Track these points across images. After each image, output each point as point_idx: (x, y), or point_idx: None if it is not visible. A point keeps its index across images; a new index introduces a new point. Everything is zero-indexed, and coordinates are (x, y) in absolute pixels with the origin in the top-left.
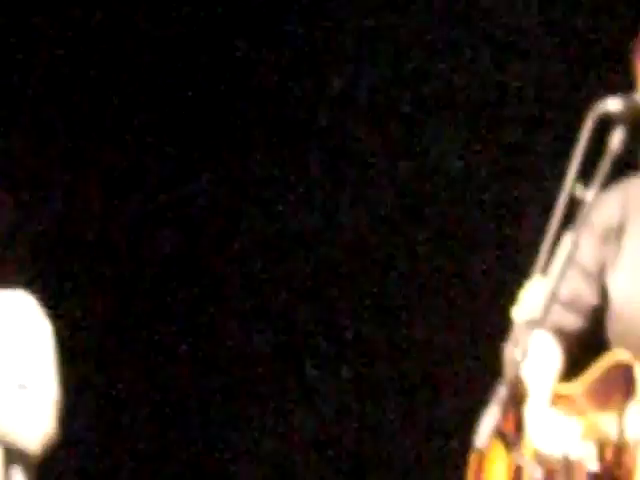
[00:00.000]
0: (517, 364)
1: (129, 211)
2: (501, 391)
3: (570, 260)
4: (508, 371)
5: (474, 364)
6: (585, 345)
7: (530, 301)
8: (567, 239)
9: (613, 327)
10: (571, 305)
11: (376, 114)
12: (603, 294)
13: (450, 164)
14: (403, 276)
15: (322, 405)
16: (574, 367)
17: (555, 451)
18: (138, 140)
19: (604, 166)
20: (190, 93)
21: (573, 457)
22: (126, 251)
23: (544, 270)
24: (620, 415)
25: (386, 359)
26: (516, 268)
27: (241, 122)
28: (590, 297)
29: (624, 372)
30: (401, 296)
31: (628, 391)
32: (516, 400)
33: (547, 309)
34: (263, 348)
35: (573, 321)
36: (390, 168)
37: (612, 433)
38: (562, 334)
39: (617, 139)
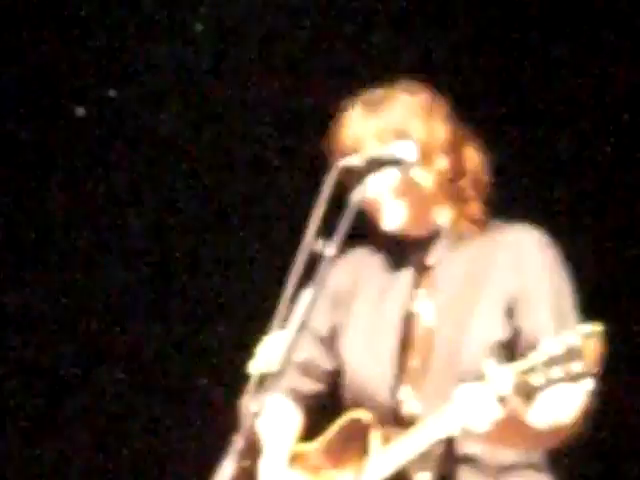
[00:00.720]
0: (253, 417)
1: None
2: (236, 444)
3: (308, 316)
4: (244, 424)
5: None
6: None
7: (267, 355)
8: (306, 295)
9: (347, 389)
10: (306, 369)
11: None
12: (338, 358)
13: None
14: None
15: None
16: (318, 426)
17: None
18: None
19: (345, 220)
20: None
21: None
22: None
23: (282, 325)
24: (356, 471)
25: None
26: (255, 323)
27: None
28: (323, 362)
29: (360, 430)
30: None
31: (363, 449)
32: (251, 453)
33: (285, 363)
34: None
35: (308, 385)
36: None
37: None
38: (299, 397)
39: (359, 194)
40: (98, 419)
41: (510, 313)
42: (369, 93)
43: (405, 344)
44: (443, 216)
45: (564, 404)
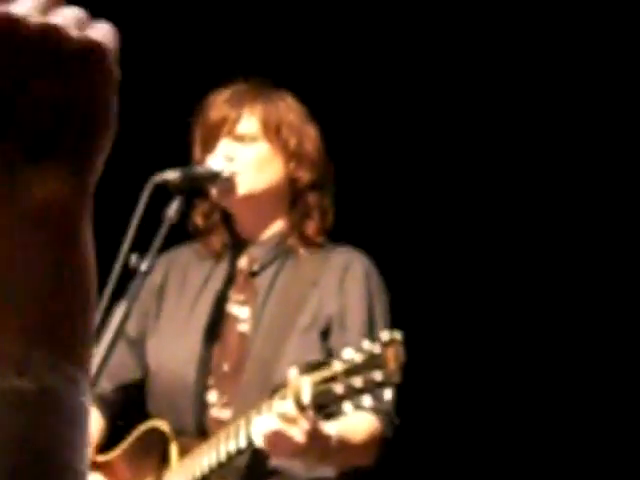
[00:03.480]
0: None
1: None
2: None
3: (120, 330)
4: None
5: None
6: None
7: None
8: (119, 309)
9: (151, 393)
10: (113, 375)
11: None
12: (144, 362)
13: None
14: None
15: None
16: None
17: None
18: None
19: (160, 235)
20: None
21: None
22: None
23: (96, 340)
24: None
25: None
26: None
27: None
28: (132, 367)
29: (158, 440)
30: None
31: (162, 459)
32: None
33: (96, 378)
34: None
35: (114, 391)
36: None
37: None
38: (104, 403)
39: (173, 209)
40: None
41: (326, 335)
42: (252, 82)
43: (215, 346)
44: (277, 225)
45: (358, 424)
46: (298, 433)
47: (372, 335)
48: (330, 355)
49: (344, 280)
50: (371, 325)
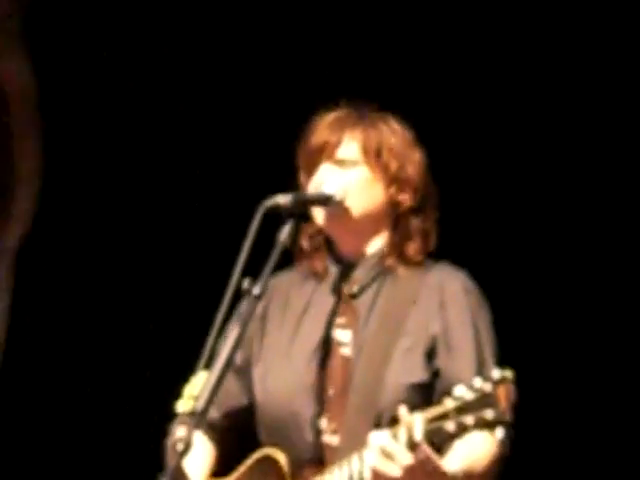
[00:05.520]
0: (179, 455)
1: None
2: None
3: (230, 360)
4: (170, 462)
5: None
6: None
7: (193, 394)
8: (230, 337)
9: (262, 422)
10: (220, 403)
11: None
12: (251, 389)
13: None
14: None
15: None
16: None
17: None
18: None
19: (272, 259)
20: None
21: None
22: None
23: (209, 364)
24: None
25: None
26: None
27: None
28: (238, 394)
29: (272, 469)
30: None
31: None
32: None
33: (208, 402)
34: None
35: (221, 418)
36: None
37: None
38: (213, 430)
39: (285, 233)
40: None
41: (431, 355)
42: (356, 106)
43: (321, 371)
44: (376, 244)
45: (478, 452)
46: (395, 468)
47: (481, 356)
48: (436, 375)
49: (444, 298)
50: (478, 343)
